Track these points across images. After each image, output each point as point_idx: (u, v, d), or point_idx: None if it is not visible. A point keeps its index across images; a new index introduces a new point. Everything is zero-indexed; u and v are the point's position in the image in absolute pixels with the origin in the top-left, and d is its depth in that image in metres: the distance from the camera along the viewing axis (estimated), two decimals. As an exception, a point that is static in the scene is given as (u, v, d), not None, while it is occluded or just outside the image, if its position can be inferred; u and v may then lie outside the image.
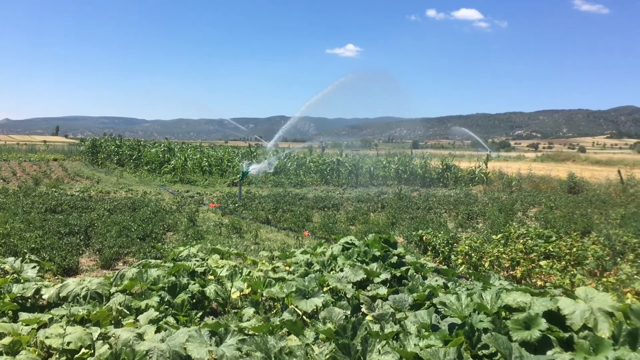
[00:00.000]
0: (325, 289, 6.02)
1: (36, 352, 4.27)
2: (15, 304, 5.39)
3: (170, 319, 5.13)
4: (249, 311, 5.62)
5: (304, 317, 5.45)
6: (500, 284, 5.55)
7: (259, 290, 6.15)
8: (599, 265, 8.11)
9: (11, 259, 6.90)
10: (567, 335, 4.09)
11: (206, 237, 11.28)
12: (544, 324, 4.02)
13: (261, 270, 7.21)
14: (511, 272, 8.16)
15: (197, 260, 7.43)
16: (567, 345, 4.03)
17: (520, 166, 34.72)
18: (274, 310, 5.93)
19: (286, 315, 5.22)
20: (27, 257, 7.30)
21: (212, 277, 6.80)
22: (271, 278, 6.55)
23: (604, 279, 7.07)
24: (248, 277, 6.77)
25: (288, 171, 30.64)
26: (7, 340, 4.26)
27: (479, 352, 3.82)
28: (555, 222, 13.36)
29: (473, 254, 8.73)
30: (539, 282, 7.51)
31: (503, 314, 4.52)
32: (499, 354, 3.71)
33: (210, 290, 6.10)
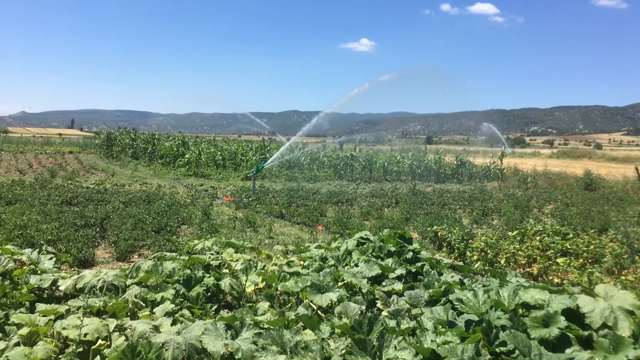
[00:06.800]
0: (340, 283, 6.00)
1: (53, 343, 4.29)
2: (32, 295, 5.43)
3: (186, 312, 5.14)
4: (263, 305, 5.60)
5: (319, 311, 5.43)
6: (517, 281, 5.49)
7: (273, 284, 6.15)
8: (617, 263, 8.01)
9: (28, 250, 6.96)
10: (586, 333, 4.03)
11: (220, 230, 11.31)
12: (562, 321, 3.97)
13: (276, 265, 7.20)
14: (527, 270, 8.08)
15: (212, 254, 7.44)
16: (586, 343, 3.97)
17: (536, 162, 34.47)
18: (289, 305, 5.92)
19: (301, 310, 5.20)
20: (43, 248, 7.34)
21: (226, 270, 6.80)
22: (286, 272, 6.54)
23: (623, 277, 6.98)
24: (263, 271, 6.77)
25: (302, 166, 30.64)
26: (24, 330, 4.29)
27: (497, 349, 3.78)
28: (571, 219, 13.24)
29: (489, 251, 8.66)
30: (556, 280, 7.44)
31: (520, 311, 4.48)
32: (517, 351, 3.67)
33: (225, 283, 6.10)
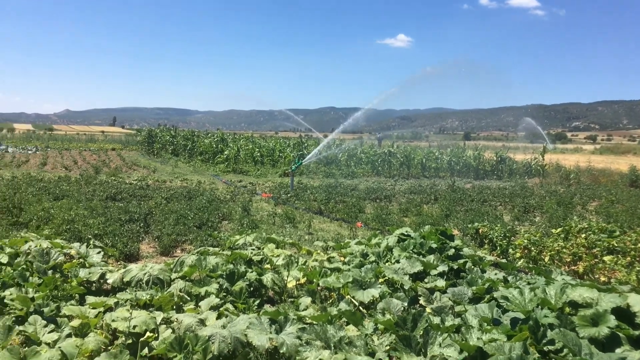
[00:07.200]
0: (381, 280, 5.99)
1: (103, 335, 4.41)
2: (81, 287, 5.60)
3: (229, 306, 5.21)
4: (305, 300, 5.64)
5: (360, 307, 5.44)
6: (563, 279, 5.38)
7: (315, 280, 6.18)
8: (666, 261, 7.76)
9: (77, 244, 7.17)
10: (637, 333, 3.93)
11: (260, 226, 11.41)
12: (612, 320, 3.87)
13: (316, 260, 7.24)
14: (573, 268, 7.91)
15: (254, 249, 7.52)
16: (637, 343, 3.87)
17: (578, 159, 33.65)
18: (330, 300, 5.95)
19: (343, 306, 5.22)
20: (91, 242, 7.55)
21: (268, 266, 6.87)
22: (327, 268, 6.57)
23: (673, 276, 6.77)
24: (304, 266, 6.81)
25: (339, 162, 30.64)
26: (75, 322, 4.42)
27: (545, 348, 3.71)
28: (617, 216, 12.89)
29: (532, 248, 8.50)
30: (603, 278, 7.25)
31: (567, 309, 4.39)
32: (565, 350, 3.59)
33: (268, 278, 6.16)
